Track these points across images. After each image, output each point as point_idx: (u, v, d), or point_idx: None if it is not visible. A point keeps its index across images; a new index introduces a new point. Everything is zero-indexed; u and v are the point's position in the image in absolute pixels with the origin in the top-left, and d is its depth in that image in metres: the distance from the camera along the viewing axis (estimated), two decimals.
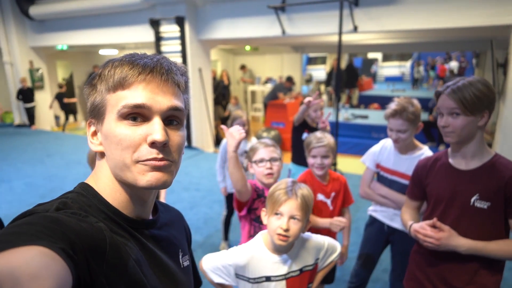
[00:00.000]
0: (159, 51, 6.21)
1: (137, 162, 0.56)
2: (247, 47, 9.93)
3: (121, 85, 0.56)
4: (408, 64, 17.84)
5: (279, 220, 1.17)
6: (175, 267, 0.68)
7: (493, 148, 4.38)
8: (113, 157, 0.58)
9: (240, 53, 10.96)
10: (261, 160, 1.60)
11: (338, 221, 1.67)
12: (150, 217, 0.67)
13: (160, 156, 0.56)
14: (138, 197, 0.62)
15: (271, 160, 1.59)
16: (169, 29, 5.97)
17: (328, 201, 1.84)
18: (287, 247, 1.22)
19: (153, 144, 0.56)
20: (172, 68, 0.59)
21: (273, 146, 1.63)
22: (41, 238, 0.43)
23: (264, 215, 1.26)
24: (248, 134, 2.69)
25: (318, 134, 1.83)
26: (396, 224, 1.90)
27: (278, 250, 1.22)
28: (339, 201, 1.88)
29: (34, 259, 0.39)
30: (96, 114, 0.59)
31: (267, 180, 1.58)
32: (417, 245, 1.45)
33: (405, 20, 4.43)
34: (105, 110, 0.58)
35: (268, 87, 9.40)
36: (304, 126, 2.87)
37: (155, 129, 0.56)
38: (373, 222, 2.03)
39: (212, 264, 1.24)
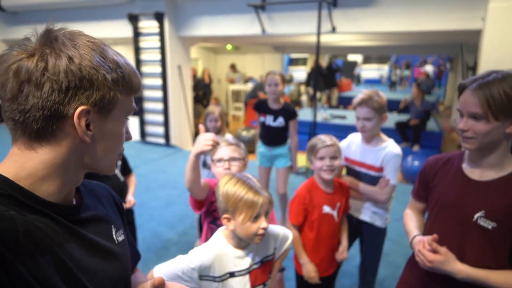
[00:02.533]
0: (137, 47, 6.10)
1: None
2: (229, 46, 9.88)
3: (135, 92, 0.65)
4: (386, 67, 18.23)
5: (258, 222, 1.14)
6: (109, 244, 0.68)
7: None
8: (109, 150, 0.64)
9: (222, 52, 10.90)
10: (220, 160, 1.51)
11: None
12: (74, 202, 0.66)
13: None
14: (72, 184, 0.63)
15: (230, 160, 1.50)
16: (148, 25, 5.87)
17: (334, 213, 1.71)
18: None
19: (127, 138, 0.68)
20: None
21: (235, 145, 1.54)
22: None
23: (227, 221, 1.17)
24: (221, 129, 2.68)
25: (322, 136, 1.74)
26: (364, 217, 1.93)
27: (241, 245, 1.21)
28: (341, 211, 1.77)
29: None
30: (102, 108, 0.59)
31: None
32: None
33: (381, 22, 4.52)
34: (113, 108, 0.61)
35: (249, 86, 9.40)
36: (263, 108, 2.98)
37: (129, 127, 0.70)
38: None
39: (169, 273, 1.14)
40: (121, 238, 0.73)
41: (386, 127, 6.24)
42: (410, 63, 15.56)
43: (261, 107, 2.97)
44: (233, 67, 10.15)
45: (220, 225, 1.51)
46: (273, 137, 3.00)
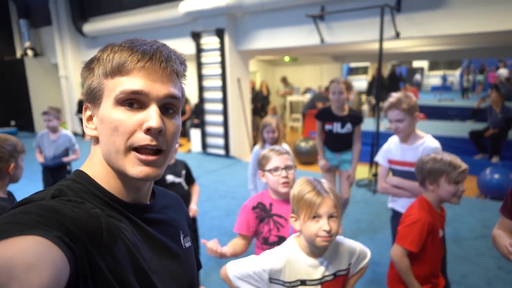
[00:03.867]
0: (199, 62, 6.41)
1: (131, 149, 0.57)
2: (286, 58, 9.94)
3: (119, 71, 0.56)
4: (457, 72, 16.92)
5: (318, 222, 1.13)
6: (177, 248, 0.68)
7: None
8: (107, 142, 0.58)
9: (279, 64, 11.01)
10: (276, 169, 1.53)
11: None
12: (148, 202, 0.67)
13: (154, 143, 0.57)
14: (131, 184, 0.62)
15: (286, 168, 1.53)
16: (210, 41, 6.15)
17: (442, 234, 1.62)
18: (322, 250, 1.18)
19: (148, 131, 0.56)
20: (171, 56, 0.60)
21: (287, 154, 1.59)
22: (36, 227, 0.43)
23: (294, 221, 1.21)
24: (278, 140, 2.66)
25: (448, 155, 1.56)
26: (403, 209, 1.91)
27: (314, 252, 1.19)
28: (443, 229, 1.65)
29: (30, 249, 0.39)
30: (93, 98, 0.59)
31: (283, 189, 1.51)
32: None
33: (452, 24, 4.21)
34: (102, 95, 0.58)
35: (307, 97, 9.33)
36: (329, 116, 2.94)
37: (151, 115, 0.56)
38: (395, 214, 2.10)
39: (241, 271, 1.19)
40: (188, 244, 0.74)
41: (459, 137, 5.75)
42: (485, 67, 14.21)
43: (327, 115, 2.96)
44: (284, 80, 10.12)
45: (272, 244, 1.47)
46: (342, 144, 2.98)
